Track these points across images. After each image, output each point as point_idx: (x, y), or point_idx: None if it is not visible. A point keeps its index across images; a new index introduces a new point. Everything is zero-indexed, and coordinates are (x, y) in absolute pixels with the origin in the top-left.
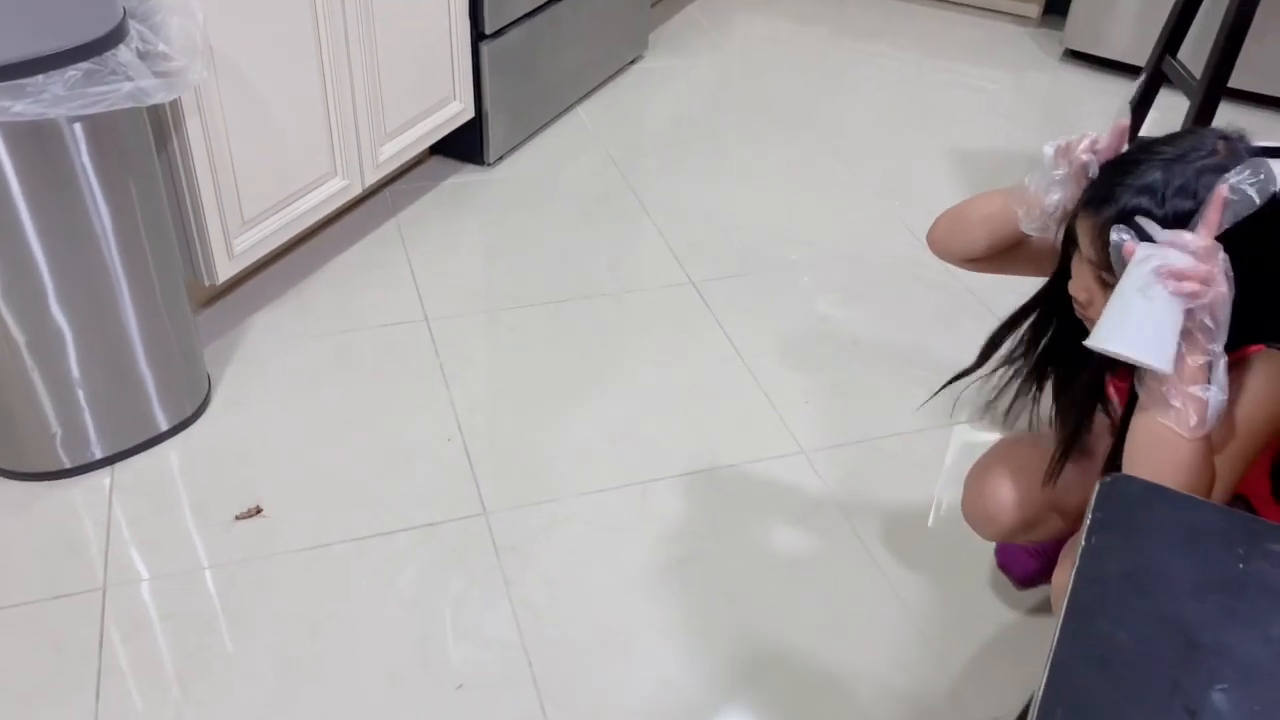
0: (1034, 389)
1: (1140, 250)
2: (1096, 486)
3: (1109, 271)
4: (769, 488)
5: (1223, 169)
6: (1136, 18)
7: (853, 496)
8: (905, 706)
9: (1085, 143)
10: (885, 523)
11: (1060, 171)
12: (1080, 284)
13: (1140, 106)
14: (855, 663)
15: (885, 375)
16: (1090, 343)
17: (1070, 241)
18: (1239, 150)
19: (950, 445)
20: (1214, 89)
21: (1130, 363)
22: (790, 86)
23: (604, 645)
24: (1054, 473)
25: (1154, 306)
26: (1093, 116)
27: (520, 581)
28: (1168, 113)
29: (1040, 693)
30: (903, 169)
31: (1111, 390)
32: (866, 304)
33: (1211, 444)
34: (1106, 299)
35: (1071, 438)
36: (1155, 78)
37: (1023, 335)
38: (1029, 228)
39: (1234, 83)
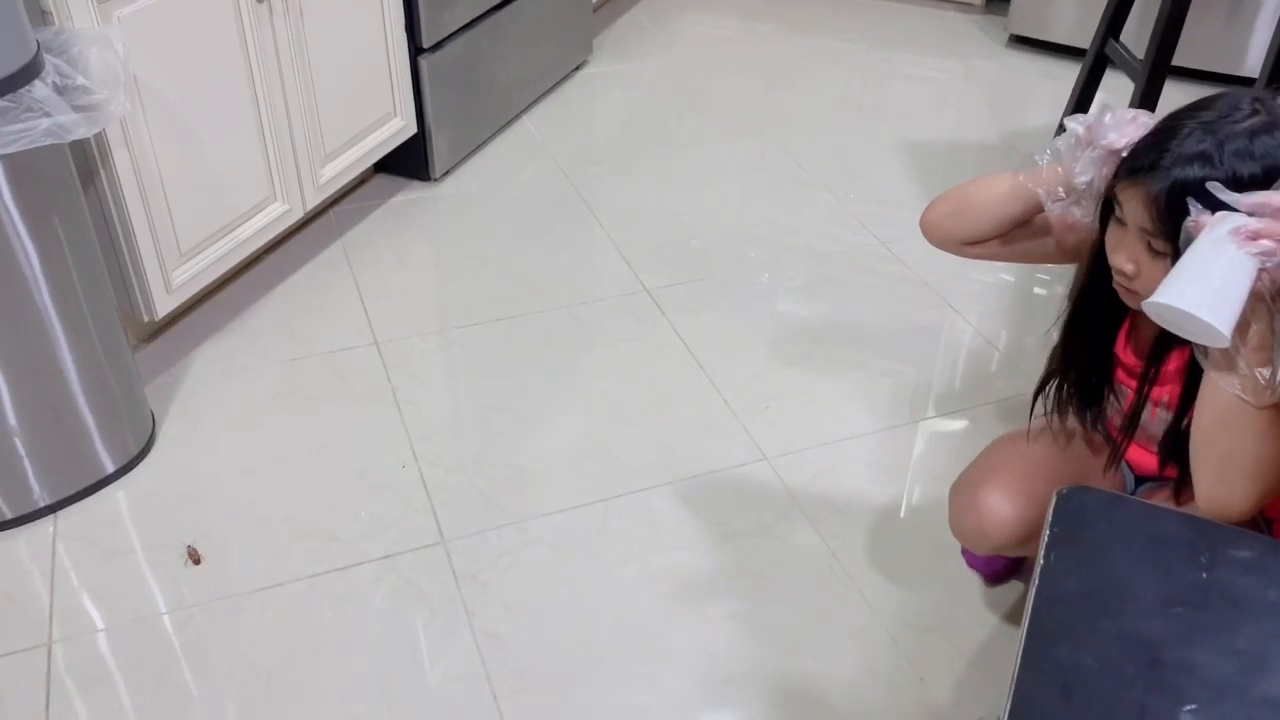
0: (1069, 376)
1: (1216, 215)
2: (1053, 499)
3: (1161, 240)
4: (733, 498)
5: (1273, 128)
6: (1078, 1)
7: (818, 502)
8: (878, 714)
9: (1118, 133)
10: (852, 527)
11: (1096, 151)
12: (1125, 254)
13: (1086, 89)
14: (827, 672)
15: (846, 374)
16: (1154, 298)
17: (1108, 213)
18: (1277, 109)
19: (915, 444)
20: (1158, 69)
21: (1187, 325)
22: (739, 85)
23: (569, 671)
24: (1115, 461)
25: (1221, 266)
26: (1040, 101)
27: (482, 611)
28: (1113, 95)
29: None
30: (855, 163)
31: (1121, 374)
32: (825, 301)
33: None
34: (1156, 268)
35: (1133, 418)
36: (1099, 61)
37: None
38: (1054, 206)
39: (1177, 61)
